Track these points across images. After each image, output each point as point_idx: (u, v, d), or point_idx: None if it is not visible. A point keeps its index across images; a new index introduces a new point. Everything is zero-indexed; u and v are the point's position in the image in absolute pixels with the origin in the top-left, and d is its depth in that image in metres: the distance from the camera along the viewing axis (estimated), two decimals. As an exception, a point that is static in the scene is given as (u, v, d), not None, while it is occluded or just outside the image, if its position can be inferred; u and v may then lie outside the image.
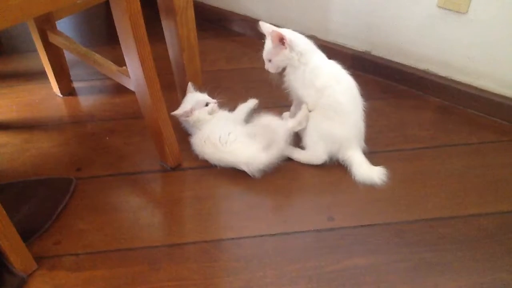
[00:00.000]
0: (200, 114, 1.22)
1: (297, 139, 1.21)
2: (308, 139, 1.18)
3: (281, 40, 1.12)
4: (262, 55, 1.19)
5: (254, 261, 0.98)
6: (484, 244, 0.99)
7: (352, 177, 1.14)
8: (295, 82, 1.17)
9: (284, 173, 1.17)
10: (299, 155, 1.20)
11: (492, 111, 1.32)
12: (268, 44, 1.15)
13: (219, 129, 1.19)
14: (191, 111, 1.21)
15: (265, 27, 1.15)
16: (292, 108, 1.27)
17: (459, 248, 0.99)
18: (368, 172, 1.14)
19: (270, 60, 1.17)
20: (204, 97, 1.26)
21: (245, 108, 1.30)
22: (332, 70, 1.17)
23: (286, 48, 1.12)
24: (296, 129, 1.18)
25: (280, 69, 1.18)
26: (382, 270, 0.95)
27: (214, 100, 1.24)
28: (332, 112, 1.14)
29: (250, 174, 1.14)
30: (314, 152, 1.18)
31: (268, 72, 1.18)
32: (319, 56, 1.18)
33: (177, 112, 1.22)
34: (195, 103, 1.23)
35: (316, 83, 1.14)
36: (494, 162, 1.20)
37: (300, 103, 1.19)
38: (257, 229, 1.04)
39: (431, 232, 1.02)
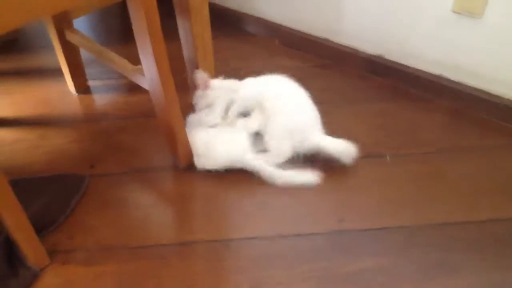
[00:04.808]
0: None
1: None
2: (270, 141, 1.21)
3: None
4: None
5: (263, 261, 0.98)
6: (496, 249, 0.99)
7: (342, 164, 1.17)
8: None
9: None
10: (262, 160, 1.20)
11: (504, 116, 1.31)
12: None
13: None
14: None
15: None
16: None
17: (469, 252, 0.98)
18: (340, 145, 1.17)
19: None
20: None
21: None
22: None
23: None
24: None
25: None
26: (392, 273, 0.95)
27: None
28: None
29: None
30: (278, 151, 1.20)
31: None
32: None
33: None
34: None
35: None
36: (505, 166, 1.19)
37: None
38: (267, 229, 1.05)
39: (441, 236, 1.02)
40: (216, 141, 1.19)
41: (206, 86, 1.31)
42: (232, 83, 1.33)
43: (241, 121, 1.25)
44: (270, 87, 1.27)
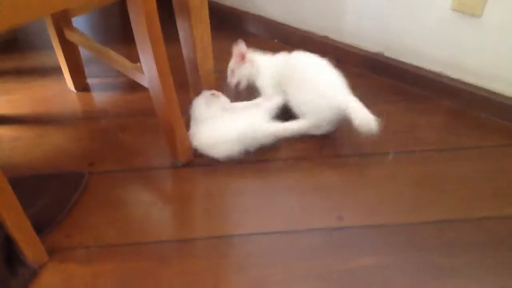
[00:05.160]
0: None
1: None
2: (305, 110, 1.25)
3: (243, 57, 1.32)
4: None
5: (263, 258, 0.98)
6: (494, 249, 0.99)
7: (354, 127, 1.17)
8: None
9: (294, 171, 1.17)
10: (296, 125, 1.25)
11: (504, 115, 1.31)
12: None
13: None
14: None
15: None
16: None
17: (468, 252, 0.98)
18: (366, 116, 1.17)
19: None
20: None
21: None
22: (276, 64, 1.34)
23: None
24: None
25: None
26: (390, 271, 0.95)
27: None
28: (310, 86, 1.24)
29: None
30: (314, 121, 1.24)
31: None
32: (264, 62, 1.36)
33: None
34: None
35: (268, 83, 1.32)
36: (505, 166, 1.19)
37: None
38: (267, 226, 1.05)
39: (440, 235, 1.02)
40: (233, 117, 1.23)
41: (243, 59, 1.31)
42: (268, 58, 1.36)
43: (259, 100, 1.30)
44: (298, 59, 1.31)
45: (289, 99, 1.27)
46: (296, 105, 1.26)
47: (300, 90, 1.25)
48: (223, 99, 1.29)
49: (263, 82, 1.33)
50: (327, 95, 1.21)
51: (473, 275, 0.94)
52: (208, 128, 1.22)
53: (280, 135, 1.22)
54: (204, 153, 1.21)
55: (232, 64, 1.36)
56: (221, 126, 1.21)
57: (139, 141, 1.29)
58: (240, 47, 1.33)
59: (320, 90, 1.22)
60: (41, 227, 1.02)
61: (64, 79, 1.49)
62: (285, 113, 1.26)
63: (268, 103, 1.27)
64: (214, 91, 1.29)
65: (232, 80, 1.36)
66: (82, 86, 1.50)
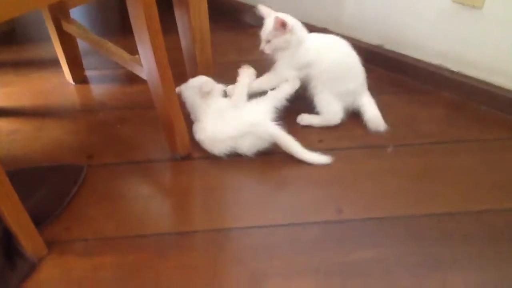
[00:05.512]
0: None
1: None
2: (321, 104, 1.26)
3: (283, 26, 1.20)
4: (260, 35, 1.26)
5: (262, 251, 0.98)
6: (493, 241, 0.99)
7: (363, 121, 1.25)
8: (283, 61, 1.27)
9: (294, 165, 1.17)
10: (315, 120, 1.28)
11: (504, 107, 1.31)
12: (269, 27, 1.24)
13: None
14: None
15: (265, 11, 1.27)
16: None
17: (467, 244, 0.98)
18: (376, 114, 1.26)
19: (268, 41, 1.24)
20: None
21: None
22: (321, 44, 1.28)
23: (287, 33, 1.21)
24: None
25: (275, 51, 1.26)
26: (390, 264, 0.95)
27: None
28: (338, 72, 1.25)
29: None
30: (330, 113, 1.27)
31: (262, 51, 1.27)
32: (311, 38, 1.28)
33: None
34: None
35: (305, 61, 1.25)
36: (505, 159, 1.19)
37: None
38: (266, 219, 1.05)
39: (439, 227, 1.02)
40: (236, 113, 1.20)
41: (284, 28, 1.21)
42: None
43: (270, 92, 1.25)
44: (333, 45, 1.30)
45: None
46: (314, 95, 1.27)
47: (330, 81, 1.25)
48: (218, 87, 1.27)
49: (301, 59, 1.25)
50: (355, 93, 1.27)
51: (473, 267, 0.94)
52: (211, 125, 1.19)
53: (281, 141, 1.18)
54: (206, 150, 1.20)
55: (268, 32, 1.24)
56: (225, 123, 1.18)
57: (138, 134, 1.29)
58: (281, 16, 1.21)
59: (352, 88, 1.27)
60: (39, 220, 1.01)
61: (62, 71, 1.48)
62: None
63: (287, 87, 1.24)
64: (203, 86, 1.23)
65: (266, 48, 1.26)
66: (80, 78, 1.49)
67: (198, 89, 1.24)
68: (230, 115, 1.20)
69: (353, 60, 1.28)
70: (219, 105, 1.23)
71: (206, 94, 1.23)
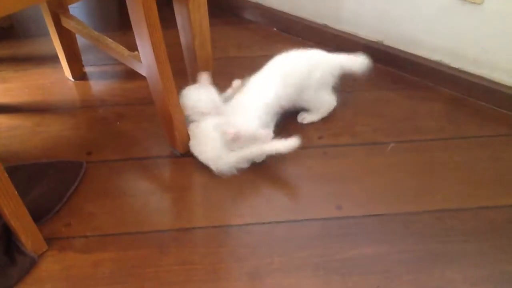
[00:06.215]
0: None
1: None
2: (313, 104, 1.27)
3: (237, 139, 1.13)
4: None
5: (261, 247, 0.98)
6: (492, 237, 0.99)
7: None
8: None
9: (293, 161, 1.17)
10: (315, 116, 1.28)
11: (504, 104, 1.31)
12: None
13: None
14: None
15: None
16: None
17: (466, 240, 0.98)
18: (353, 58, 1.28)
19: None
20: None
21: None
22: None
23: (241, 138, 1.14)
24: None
25: None
26: (389, 260, 0.95)
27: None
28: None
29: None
30: (325, 105, 1.29)
31: None
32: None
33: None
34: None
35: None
36: (505, 155, 1.19)
37: None
38: (265, 216, 1.05)
39: (438, 223, 1.02)
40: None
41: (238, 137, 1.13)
42: None
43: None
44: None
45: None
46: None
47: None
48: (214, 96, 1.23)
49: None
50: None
51: (472, 263, 0.94)
52: (209, 144, 1.15)
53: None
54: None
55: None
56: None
57: (138, 130, 1.29)
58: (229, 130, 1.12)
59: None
60: (39, 216, 1.02)
61: (61, 67, 1.47)
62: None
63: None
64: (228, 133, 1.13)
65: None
66: (79, 74, 1.48)
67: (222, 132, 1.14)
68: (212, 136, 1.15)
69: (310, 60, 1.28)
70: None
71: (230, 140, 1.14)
